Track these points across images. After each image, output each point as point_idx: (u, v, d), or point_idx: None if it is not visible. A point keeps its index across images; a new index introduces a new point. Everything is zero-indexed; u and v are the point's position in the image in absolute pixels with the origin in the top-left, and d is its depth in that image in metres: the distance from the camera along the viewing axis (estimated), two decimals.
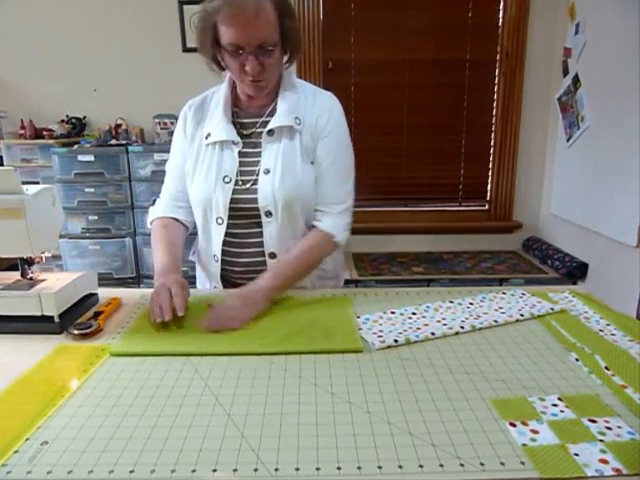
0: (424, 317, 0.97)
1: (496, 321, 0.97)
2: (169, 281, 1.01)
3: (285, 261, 1.13)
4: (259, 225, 1.16)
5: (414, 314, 0.98)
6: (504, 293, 1.13)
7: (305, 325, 0.96)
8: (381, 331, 0.91)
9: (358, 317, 0.94)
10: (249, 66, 1.03)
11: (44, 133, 2.65)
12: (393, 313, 0.97)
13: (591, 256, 2.34)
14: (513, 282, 2.37)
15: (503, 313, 1.01)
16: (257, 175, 1.14)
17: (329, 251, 1.19)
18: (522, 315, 1.00)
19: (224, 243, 1.18)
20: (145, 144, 2.66)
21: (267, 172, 1.13)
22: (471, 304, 1.05)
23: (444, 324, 0.94)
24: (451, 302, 1.05)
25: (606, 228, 2.17)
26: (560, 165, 2.63)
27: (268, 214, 1.14)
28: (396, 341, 0.86)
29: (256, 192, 1.13)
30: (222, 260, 1.19)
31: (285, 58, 1.14)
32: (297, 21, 1.10)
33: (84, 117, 2.79)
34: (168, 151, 1.28)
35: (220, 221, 1.16)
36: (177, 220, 1.23)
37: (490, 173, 2.89)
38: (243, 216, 1.16)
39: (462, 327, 0.93)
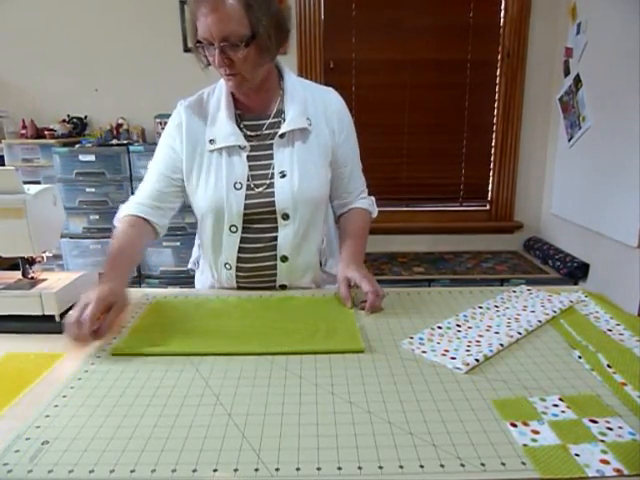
0: (470, 327, 0.95)
1: (540, 321, 0.97)
2: (100, 296, 0.88)
3: (356, 233, 1.21)
4: (273, 229, 1.14)
5: (459, 325, 0.96)
6: (514, 291, 1.13)
7: (306, 325, 0.96)
8: (446, 350, 0.86)
9: (411, 337, 0.91)
10: (216, 60, 1.01)
11: (45, 133, 2.64)
12: (440, 328, 0.95)
13: (592, 256, 2.34)
14: (514, 282, 2.37)
15: (533, 312, 1.01)
16: (271, 178, 1.12)
17: (369, 226, 1.28)
18: (554, 311, 1.01)
19: (238, 250, 1.15)
20: (146, 144, 2.65)
21: (283, 175, 1.12)
22: (496, 307, 1.05)
23: (496, 332, 0.92)
24: (480, 307, 1.04)
25: (607, 228, 2.17)
26: (561, 165, 2.63)
27: (285, 217, 1.12)
28: (477, 360, 0.82)
29: (271, 195, 1.11)
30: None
31: (266, 53, 1.05)
32: (275, 16, 1.02)
33: (85, 117, 2.79)
34: None
35: (234, 229, 1.13)
36: (148, 222, 1.13)
37: (491, 173, 2.89)
38: (257, 220, 1.13)
39: (519, 333, 0.92)
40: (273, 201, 1.11)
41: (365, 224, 1.25)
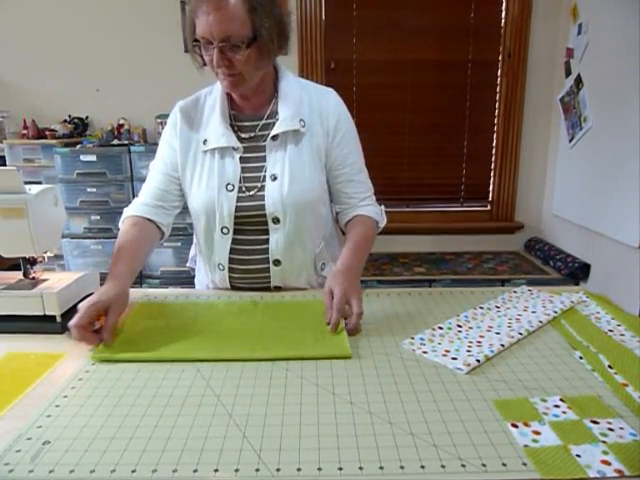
0: (471, 328, 0.95)
1: (541, 321, 0.97)
2: (106, 300, 0.90)
3: (356, 242, 1.12)
4: (265, 232, 1.13)
5: (460, 326, 0.95)
6: (515, 292, 1.13)
7: (294, 330, 0.93)
8: (447, 350, 0.86)
9: (412, 338, 0.90)
10: (214, 60, 0.99)
11: (46, 133, 2.65)
12: (441, 328, 0.94)
13: (593, 257, 2.34)
14: (515, 283, 2.37)
15: (534, 312, 1.01)
16: (263, 181, 1.11)
17: (375, 235, 1.21)
18: (555, 312, 1.01)
19: (229, 251, 1.14)
20: (147, 144, 2.66)
21: (274, 179, 1.10)
22: (497, 307, 1.05)
23: (497, 332, 0.92)
24: (481, 308, 1.04)
25: (608, 229, 2.17)
26: (562, 166, 2.63)
27: (276, 221, 1.11)
28: (478, 361, 0.81)
29: (262, 199, 1.10)
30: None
31: (266, 56, 1.05)
32: (278, 19, 1.02)
33: (86, 117, 2.80)
34: None
35: (225, 231, 1.12)
36: (152, 221, 1.13)
37: (492, 174, 2.89)
38: (248, 223, 1.12)
39: (520, 333, 0.91)
40: (263, 205, 1.10)
41: (368, 232, 1.17)
